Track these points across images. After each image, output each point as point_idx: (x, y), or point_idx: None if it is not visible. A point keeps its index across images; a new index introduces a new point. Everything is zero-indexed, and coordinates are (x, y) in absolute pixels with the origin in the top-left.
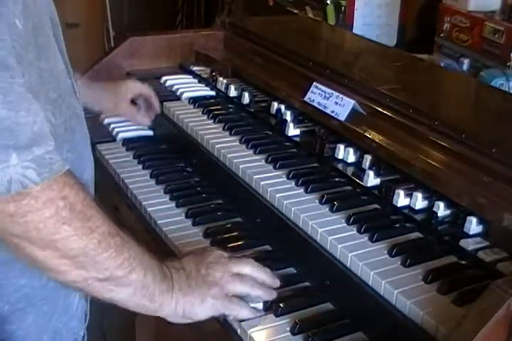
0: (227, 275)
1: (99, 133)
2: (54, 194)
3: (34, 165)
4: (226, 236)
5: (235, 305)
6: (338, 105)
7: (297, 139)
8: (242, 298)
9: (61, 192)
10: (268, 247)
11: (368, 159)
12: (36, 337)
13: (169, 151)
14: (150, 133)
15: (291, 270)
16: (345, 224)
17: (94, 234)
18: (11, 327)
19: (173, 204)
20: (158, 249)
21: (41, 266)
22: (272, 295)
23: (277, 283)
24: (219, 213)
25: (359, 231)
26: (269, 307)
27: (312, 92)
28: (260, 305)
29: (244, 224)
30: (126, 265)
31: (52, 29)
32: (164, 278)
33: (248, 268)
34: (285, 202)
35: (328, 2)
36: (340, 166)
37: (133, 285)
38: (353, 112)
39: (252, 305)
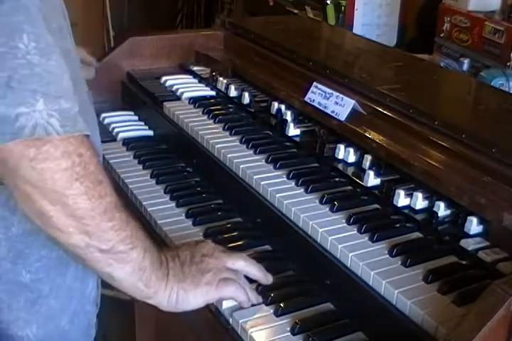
0: (221, 265)
1: (100, 133)
2: (72, 148)
3: (58, 115)
4: (226, 236)
5: (229, 286)
6: (338, 105)
7: (297, 139)
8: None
9: (78, 148)
10: (268, 247)
11: (368, 159)
12: (58, 315)
13: (169, 151)
14: (150, 133)
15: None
16: (345, 224)
17: (102, 201)
18: (32, 295)
19: (173, 204)
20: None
21: (49, 222)
22: (258, 299)
23: (270, 279)
24: (219, 213)
25: (359, 231)
26: (270, 303)
27: (312, 92)
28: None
29: (244, 224)
30: (128, 242)
31: (65, 19)
32: (161, 265)
33: (242, 262)
34: (285, 202)
35: (328, 2)
36: (340, 166)
37: (131, 264)
38: (353, 112)
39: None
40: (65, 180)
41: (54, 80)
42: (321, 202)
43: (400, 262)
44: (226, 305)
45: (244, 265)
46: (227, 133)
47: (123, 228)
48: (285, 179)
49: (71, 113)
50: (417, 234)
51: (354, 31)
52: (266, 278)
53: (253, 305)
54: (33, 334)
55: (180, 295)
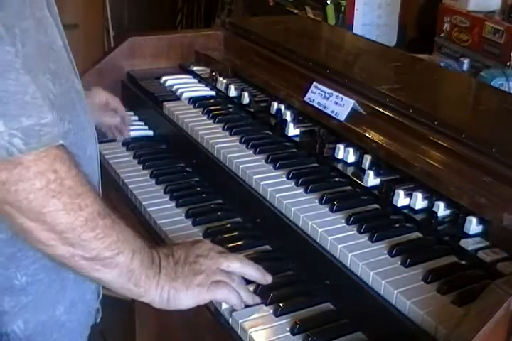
0: (215, 267)
1: (99, 133)
2: (45, 166)
3: (21, 134)
4: (226, 236)
5: (221, 289)
6: (338, 105)
7: (297, 139)
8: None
9: (52, 165)
10: (268, 247)
11: (367, 159)
12: (51, 307)
13: (169, 151)
14: (150, 133)
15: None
16: (345, 224)
17: (82, 212)
18: (25, 299)
19: (173, 204)
20: None
21: (31, 237)
22: (254, 300)
23: (269, 279)
24: (219, 213)
25: (359, 231)
26: (269, 303)
27: (312, 92)
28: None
29: (244, 224)
30: (114, 247)
31: (48, 7)
32: (152, 263)
33: (237, 263)
34: (285, 202)
35: (328, 2)
36: (340, 166)
37: (119, 268)
38: (353, 112)
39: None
40: (40, 199)
41: (13, 99)
42: (320, 202)
43: (399, 262)
44: (226, 305)
45: (239, 266)
46: (227, 133)
47: (108, 234)
48: (285, 179)
49: (35, 129)
50: (416, 234)
51: (354, 31)
52: (264, 279)
53: (249, 306)
54: (20, 329)
55: (172, 294)
